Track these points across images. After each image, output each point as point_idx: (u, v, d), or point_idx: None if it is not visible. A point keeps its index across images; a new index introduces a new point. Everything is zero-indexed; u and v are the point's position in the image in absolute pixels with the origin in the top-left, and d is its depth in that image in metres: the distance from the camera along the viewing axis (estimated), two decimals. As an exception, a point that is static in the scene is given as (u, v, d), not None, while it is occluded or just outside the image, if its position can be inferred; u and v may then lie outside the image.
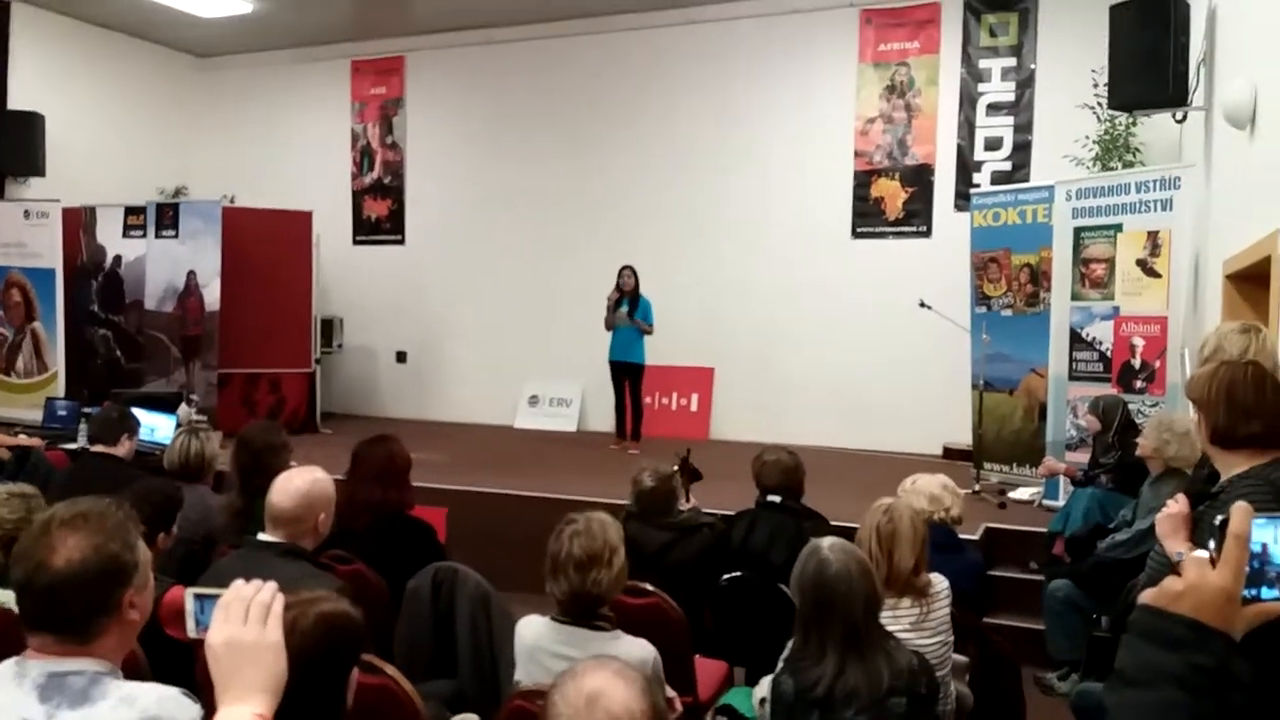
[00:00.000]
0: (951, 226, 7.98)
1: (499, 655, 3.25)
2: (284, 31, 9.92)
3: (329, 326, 9.73)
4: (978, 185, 7.89)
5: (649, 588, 3.02)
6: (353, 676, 1.67)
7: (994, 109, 8.13)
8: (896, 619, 2.80)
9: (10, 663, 1.73)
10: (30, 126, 8.93)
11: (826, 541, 2.46)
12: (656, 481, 3.88)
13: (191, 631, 1.41)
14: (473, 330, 9.94)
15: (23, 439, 6.19)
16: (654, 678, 2.61)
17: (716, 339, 8.91)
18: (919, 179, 8.35)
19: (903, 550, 2.91)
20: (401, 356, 10.30)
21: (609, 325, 7.94)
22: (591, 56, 9.36)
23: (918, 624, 2.90)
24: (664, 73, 9.11)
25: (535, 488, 6.33)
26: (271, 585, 1.31)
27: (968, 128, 8.20)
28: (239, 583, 1.31)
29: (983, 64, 8.14)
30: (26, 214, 8.67)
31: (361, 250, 10.39)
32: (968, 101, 8.19)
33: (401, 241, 10.32)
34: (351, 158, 10.47)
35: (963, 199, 7.95)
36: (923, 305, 7.27)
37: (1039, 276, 6.62)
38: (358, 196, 10.45)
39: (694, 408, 9.07)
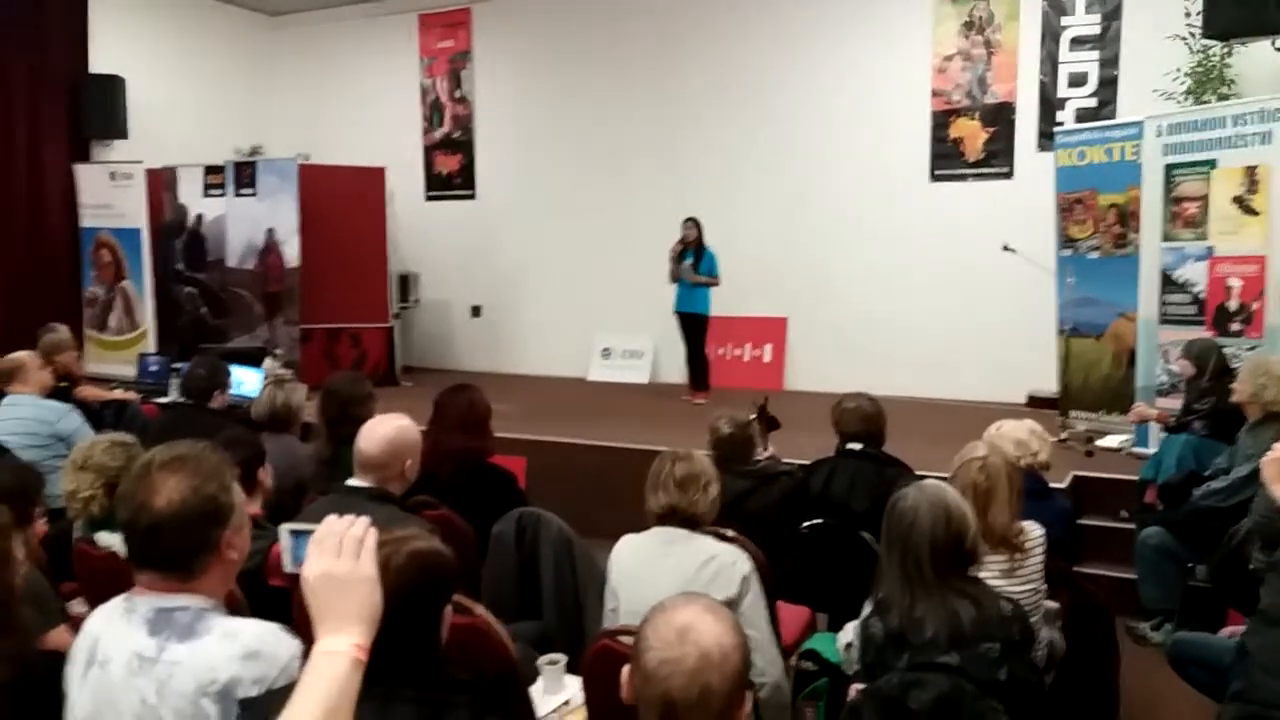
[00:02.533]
0: (1034, 167, 7.71)
1: (583, 597, 3.31)
2: (352, -12, 9.96)
3: (405, 282, 9.86)
4: (1061, 123, 7.58)
5: (729, 533, 3.01)
6: (446, 613, 1.69)
7: (1078, 43, 7.79)
8: (987, 567, 2.75)
9: (119, 599, 1.80)
10: (112, 90, 9.14)
11: (921, 483, 2.44)
12: (734, 429, 3.86)
13: (287, 566, 1.44)
14: (545, 283, 9.97)
15: (119, 393, 6.42)
16: (735, 572, 2.67)
17: (790, 288, 8.79)
18: (1000, 118, 8.07)
19: (998, 506, 2.86)
20: (476, 311, 10.40)
21: (672, 278, 7.89)
22: (655, 3, 9.19)
23: (1010, 572, 2.85)
24: (735, 16, 8.90)
25: (609, 438, 6.38)
26: (364, 520, 1.32)
27: (1050, 64, 7.88)
28: (332, 518, 1.32)
29: (1066, -4, 7.80)
30: (112, 176, 8.92)
31: (434, 206, 10.47)
32: (1050, 36, 7.86)
33: (472, 196, 10.36)
34: (422, 113, 10.50)
35: (1046, 138, 7.66)
36: (1006, 249, 7.07)
37: (1127, 217, 6.36)
38: (429, 152, 10.50)
39: (767, 358, 9.00)
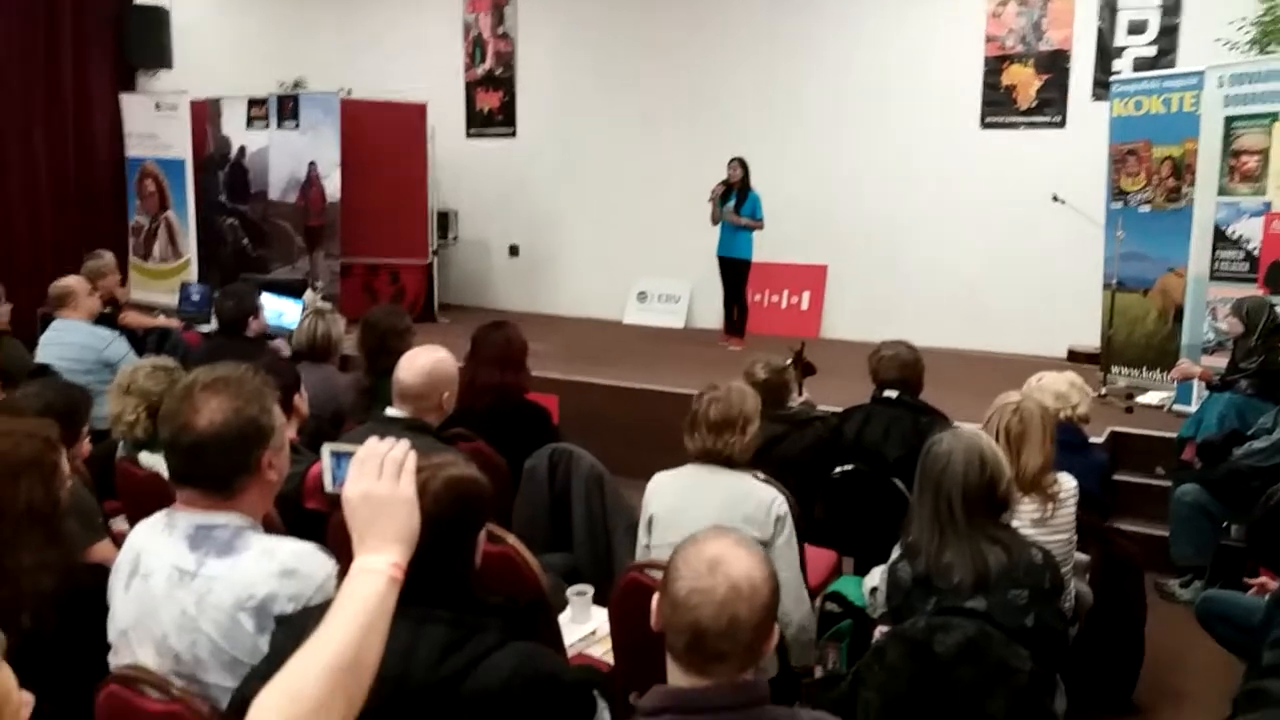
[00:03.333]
0: (1088, 117, 7.50)
1: (612, 532, 3.36)
2: (397, -82, 9.82)
3: (445, 219, 9.86)
4: (1118, 72, 7.36)
5: (760, 476, 3.02)
6: (480, 539, 1.72)
7: (1140, -11, 7.53)
8: (1019, 516, 2.74)
9: (161, 514, 1.85)
10: (157, 20, 9.14)
11: (955, 429, 2.43)
12: (769, 373, 3.85)
13: (328, 486, 1.47)
14: (583, 225, 9.93)
15: (161, 320, 6.54)
16: (769, 514, 2.70)
17: (831, 235, 8.68)
18: (1054, 65, 7.84)
19: (1031, 451, 2.85)
20: (514, 250, 10.39)
21: (714, 220, 7.82)
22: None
23: (1042, 522, 2.85)
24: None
25: (642, 381, 6.40)
26: (404, 443, 1.34)
27: (1109, 10, 7.62)
28: (373, 440, 1.34)
29: (1129, -61, 7.51)
30: (157, 106, 8.95)
31: (474, 143, 10.41)
32: (1110, -19, 7.60)
33: (513, 134, 10.29)
34: (464, 49, 10.41)
35: (1101, 87, 7.44)
36: (1056, 200, 6.92)
37: (1182, 170, 6.20)
38: (470, 89, 10.42)
39: (805, 306, 8.93)
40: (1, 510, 1.92)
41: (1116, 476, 5.06)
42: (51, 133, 8.66)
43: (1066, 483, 2.94)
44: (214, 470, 1.76)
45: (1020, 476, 2.76)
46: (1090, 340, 6.98)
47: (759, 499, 2.78)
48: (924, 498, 2.39)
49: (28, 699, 1.02)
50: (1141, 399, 6.09)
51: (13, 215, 8.41)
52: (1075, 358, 7.25)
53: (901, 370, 3.85)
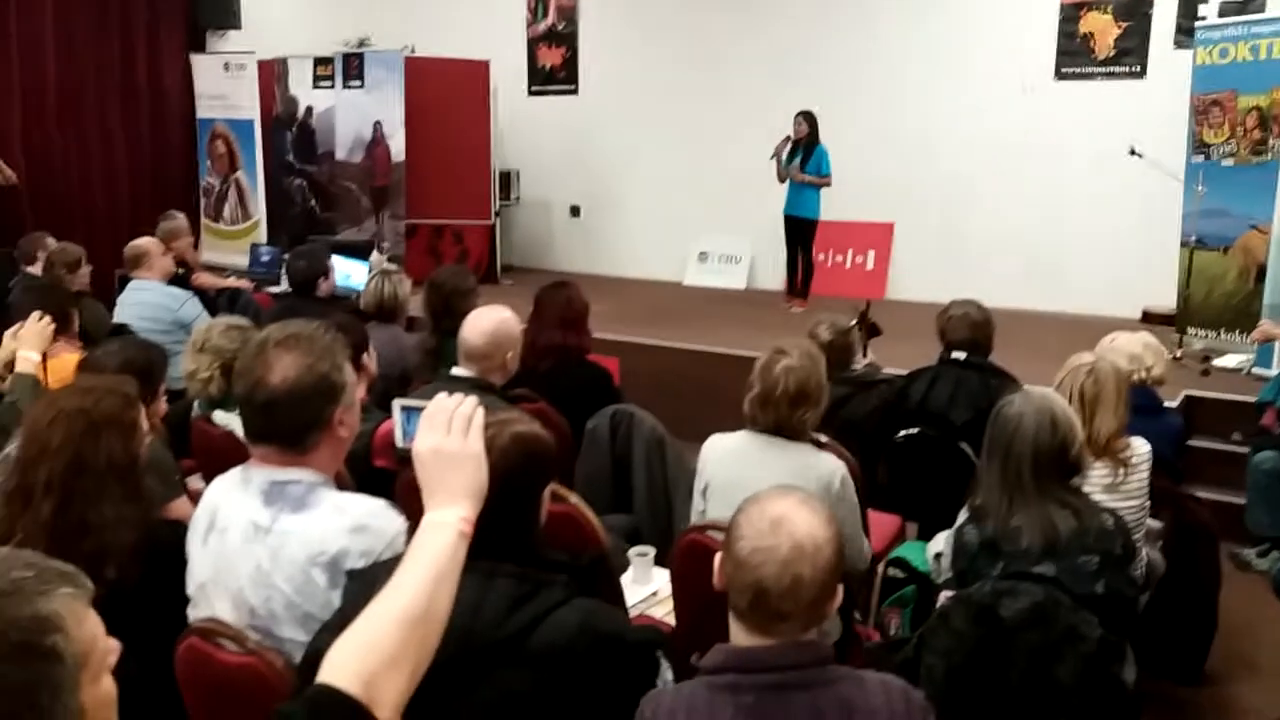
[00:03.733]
0: (1170, 66, 7.19)
1: (673, 494, 3.36)
2: (459, -126, 9.75)
3: (506, 179, 9.88)
4: (1203, 18, 7.05)
5: (823, 438, 3.00)
6: (545, 496, 1.74)
7: (1231, -69, 7.18)
8: (1090, 480, 2.69)
9: (237, 470, 1.90)
10: (225, -20, 9.25)
11: (1027, 389, 2.38)
12: (834, 334, 3.81)
13: (399, 441, 1.49)
14: (644, 185, 9.87)
15: (232, 281, 6.68)
16: (841, 491, 2.66)
17: (897, 192, 8.46)
18: (1134, 12, 7.53)
19: (1105, 414, 2.78)
20: (575, 211, 10.38)
21: (780, 177, 7.69)
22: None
23: (1113, 487, 2.79)
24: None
25: (704, 342, 6.37)
26: (472, 399, 1.35)
27: (1196, -47, 7.30)
28: (442, 395, 1.36)
29: (1220, -127, 7.15)
30: (226, 66, 9.07)
31: (536, 101, 10.38)
32: (1199, -77, 7.26)
33: (575, 92, 10.23)
34: (526, 3, 10.34)
35: (1185, 34, 7.14)
36: (1133, 153, 6.68)
37: (1269, 121, 5.94)
38: (532, 45, 10.37)
39: (870, 265, 8.75)
40: (83, 464, 1.99)
41: (1191, 442, 4.92)
42: (126, 95, 8.86)
43: (1140, 447, 2.87)
44: (287, 426, 1.79)
45: (1093, 440, 2.70)
46: (1166, 301, 6.76)
47: (819, 474, 2.68)
48: (993, 460, 2.35)
49: (114, 645, 1.06)
50: (1219, 362, 5.90)
51: (91, 178, 8.64)
52: (1150, 319, 7.04)
53: (971, 330, 3.76)
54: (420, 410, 1.37)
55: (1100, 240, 7.61)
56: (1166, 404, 3.94)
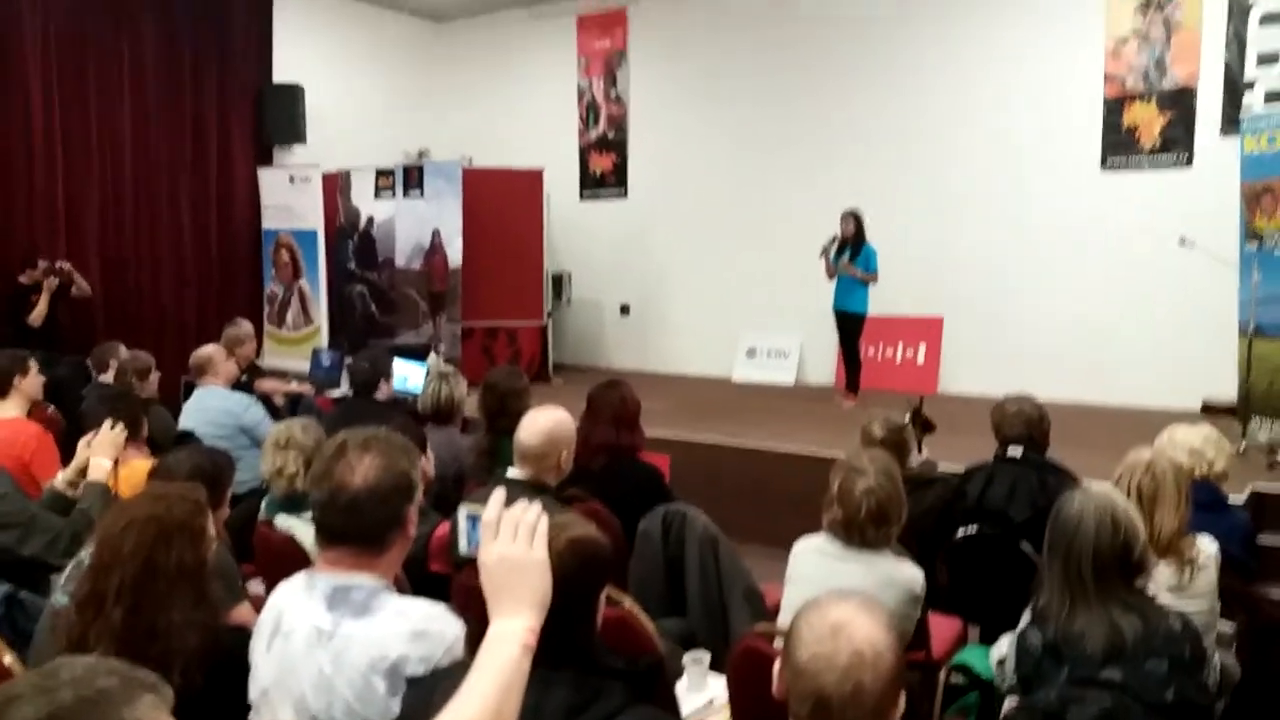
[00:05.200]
0: (1217, 154, 7.20)
1: (727, 597, 3.31)
2: (514, -8, 10.26)
3: (559, 281, 10.11)
4: (1248, 107, 7.08)
5: (899, 549, 2.96)
6: (601, 600, 1.75)
7: (1270, 20, 7.22)
8: (1155, 582, 2.61)
9: (302, 575, 1.94)
10: (293, 98, 9.71)
11: (1087, 488, 2.34)
12: (887, 432, 3.79)
13: (463, 548, 1.52)
14: (693, 282, 10.02)
15: (294, 386, 6.85)
16: (913, 601, 2.63)
17: (946, 286, 8.51)
18: (1179, 103, 7.58)
19: (1165, 511, 2.72)
20: (625, 309, 10.55)
21: (829, 274, 7.76)
22: (813, -3, 9.10)
23: (1180, 588, 2.70)
24: (893, 6, 8.69)
25: (755, 439, 6.35)
26: (536, 506, 1.38)
27: (1237, 43, 7.35)
28: (499, 495, 1.39)
29: (1258, -30, 7.26)
30: (291, 179, 9.48)
31: (588, 205, 10.67)
32: (1238, 12, 7.32)
33: (624, 195, 10.51)
34: (578, 113, 10.72)
35: (1231, 122, 7.16)
36: (1183, 243, 6.65)
37: (1323, 209, 5.89)
38: (584, 152, 10.72)
39: (920, 360, 8.73)
40: (155, 569, 2.04)
41: (1261, 538, 4.75)
42: (196, 207, 9.28)
43: (1206, 546, 2.79)
44: (369, 526, 1.84)
45: (1155, 539, 2.64)
46: (1227, 391, 6.61)
47: (902, 581, 2.70)
48: (1054, 561, 2.31)
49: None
50: (1287, 453, 5.73)
51: (160, 287, 9.01)
52: (1211, 410, 6.89)
53: (1026, 426, 3.73)
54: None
55: (1156, 330, 7.53)
56: (1232, 499, 3.84)
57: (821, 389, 8.55)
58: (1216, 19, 7.40)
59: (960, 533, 3.55)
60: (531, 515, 1.36)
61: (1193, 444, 3.34)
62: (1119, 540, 2.24)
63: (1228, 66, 7.39)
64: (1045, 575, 2.35)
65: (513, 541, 1.33)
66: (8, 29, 7.85)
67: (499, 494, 1.39)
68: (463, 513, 1.56)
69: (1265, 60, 7.28)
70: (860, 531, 2.70)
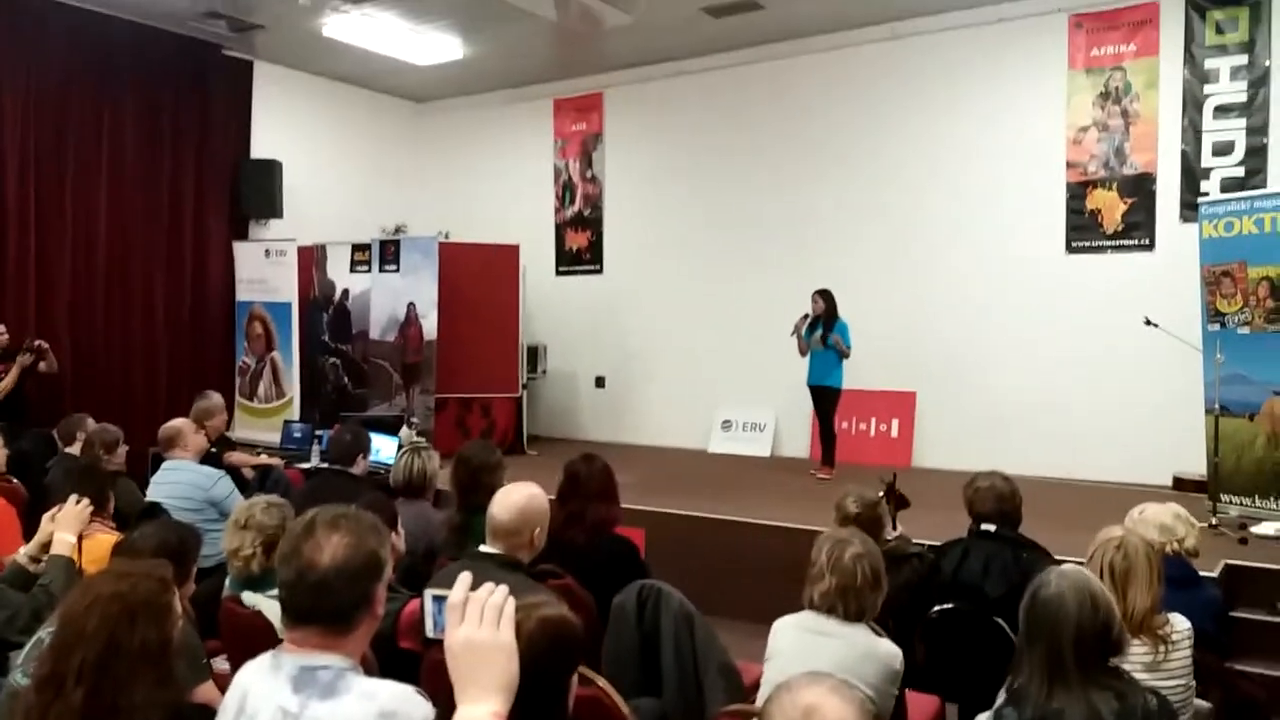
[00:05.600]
0: (1178, 239, 7.42)
1: (703, 675, 3.26)
2: (492, 75, 10.47)
3: (534, 353, 10.13)
4: (1206, 194, 7.30)
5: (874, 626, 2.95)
6: (573, 682, 1.72)
7: (1223, 111, 7.51)
8: (1130, 659, 2.61)
9: (267, 655, 1.90)
10: (270, 173, 9.77)
11: (1062, 568, 2.34)
12: (861, 508, 3.80)
13: (430, 631, 1.50)
14: (668, 356, 10.08)
15: (264, 458, 6.77)
16: (892, 678, 2.63)
17: (918, 362, 8.62)
18: (1139, 189, 7.82)
19: (1138, 588, 2.74)
20: (600, 381, 10.58)
21: (801, 351, 7.83)
22: (784, 80, 9.34)
23: (1154, 666, 2.71)
24: (860, 92, 8.96)
25: (731, 511, 6.33)
26: (503, 589, 1.37)
27: (1193, 133, 7.62)
28: (465, 579, 1.38)
29: (1209, 64, 7.54)
30: (267, 253, 9.51)
31: (563, 280, 10.77)
32: (1192, 105, 7.61)
33: (600, 271, 10.62)
34: (554, 192, 10.88)
35: (1189, 209, 7.38)
36: (1149, 323, 6.79)
37: (1281, 291, 6.04)
38: (560, 229, 10.85)
39: (894, 433, 8.81)
40: (117, 649, 1.99)
41: (1234, 613, 4.77)
42: (170, 279, 9.25)
43: (1179, 623, 2.80)
44: (337, 606, 1.80)
45: (1129, 617, 2.65)
46: (1197, 467, 6.70)
47: (880, 656, 2.73)
48: (1034, 644, 2.28)
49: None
50: (1256, 529, 5.78)
51: (131, 357, 8.93)
52: (1182, 485, 6.97)
53: (998, 502, 3.75)
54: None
55: (1124, 407, 7.63)
56: (1204, 574, 3.86)
57: (797, 461, 8.56)
58: (1172, 110, 7.68)
59: (936, 609, 3.54)
60: (498, 597, 1.35)
61: (1163, 520, 3.37)
62: (1099, 621, 2.25)
63: (1185, 155, 7.65)
64: (1024, 655, 2.34)
65: (479, 625, 1.32)
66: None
67: (465, 577, 1.38)
68: (429, 595, 1.54)
69: (1220, 150, 7.54)
70: (857, 597, 2.74)
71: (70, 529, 3.26)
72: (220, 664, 3.10)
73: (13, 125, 8.06)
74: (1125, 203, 7.88)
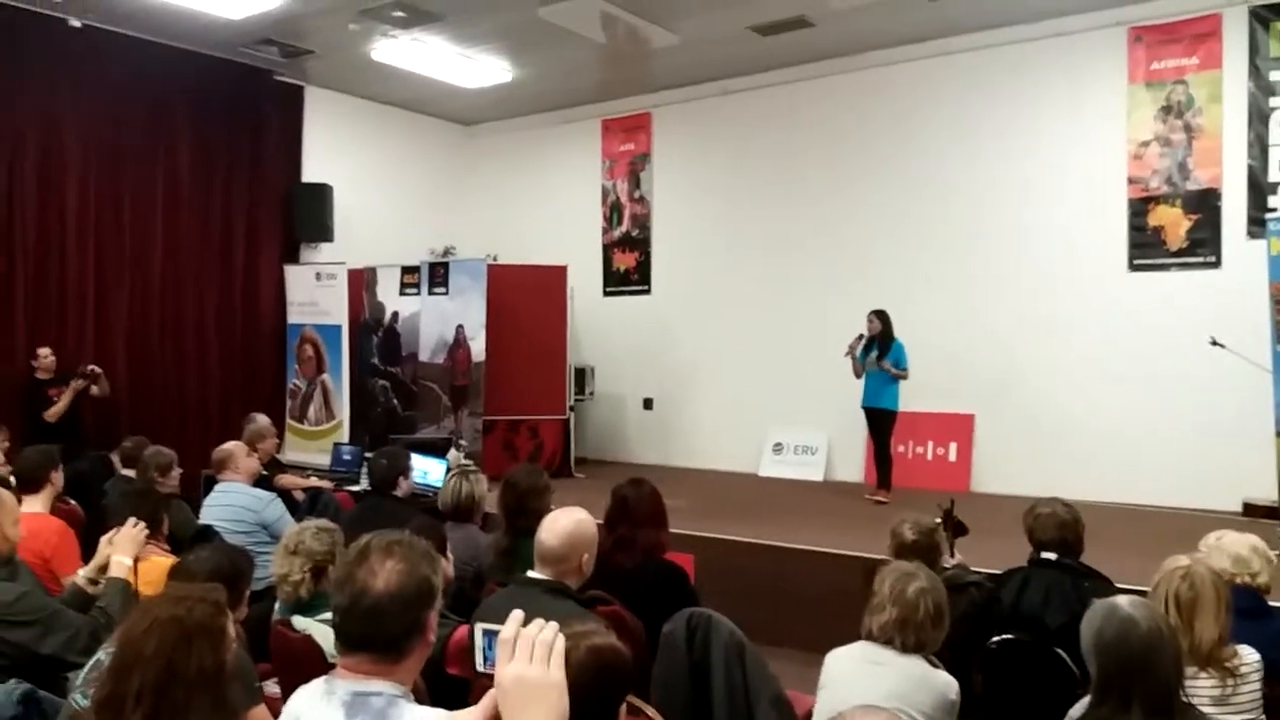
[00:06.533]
0: (1245, 256, 7.21)
1: (755, 707, 3.19)
2: (540, 97, 10.55)
3: (581, 375, 10.13)
4: (1274, 209, 7.10)
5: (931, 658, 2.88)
6: (622, 711, 1.68)
7: (1291, 124, 7.31)
8: (1197, 693, 2.52)
9: (321, 681, 1.89)
10: (321, 197, 9.91)
11: (1124, 600, 2.25)
12: (918, 535, 3.71)
13: (480, 666, 1.47)
14: (717, 377, 10.01)
15: (314, 481, 6.82)
16: (948, 708, 2.57)
17: (978, 383, 8.45)
18: (1204, 204, 7.61)
19: (1205, 619, 2.63)
20: (648, 403, 10.53)
21: (856, 373, 7.73)
22: (836, 97, 9.27)
23: (1223, 700, 2.61)
24: (913, 108, 8.86)
25: (784, 537, 6.22)
26: (554, 625, 1.34)
27: (1259, 146, 7.41)
28: (517, 615, 1.35)
29: (1275, 76, 7.35)
30: (318, 276, 9.63)
31: (611, 301, 10.77)
32: (1258, 118, 7.41)
33: (648, 291, 10.60)
34: (602, 213, 10.91)
35: (1257, 225, 7.18)
36: (1214, 343, 6.59)
37: (1353, 308, 5.83)
38: (607, 250, 10.86)
39: (952, 457, 8.63)
40: (174, 673, 1.99)
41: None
42: (222, 303, 9.42)
43: (1248, 655, 2.69)
44: (390, 632, 1.80)
45: (1195, 649, 2.55)
46: (1268, 492, 6.47)
47: (935, 686, 2.67)
48: (1096, 673, 2.23)
49: None
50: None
51: (185, 380, 9.09)
52: (1253, 511, 6.73)
53: (1059, 530, 3.64)
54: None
55: (1191, 430, 7.40)
56: (1275, 605, 3.70)
57: (851, 485, 8.43)
58: (1237, 124, 7.48)
59: (995, 639, 3.44)
60: (548, 634, 1.32)
61: (1239, 552, 3.24)
62: (1171, 650, 2.17)
63: (1251, 169, 7.44)
64: (1091, 686, 2.26)
65: (529, 662, 1.29)
66: (50, 142, 8.12)
67: (517, 614, 1.36)
68: (479, 629, 1.52)
69: (1288, 163, 7.33)
70: (917, 631, 2.70)
71: (127, 552, 3.30)
72: (271, 687, 3.10)
73: (73, 155, 8.27)
74: (1189, 219, 7.68)
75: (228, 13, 7.91)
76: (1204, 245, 7.62)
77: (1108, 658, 2.21)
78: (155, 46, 8.67)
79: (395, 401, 9.64)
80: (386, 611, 1.78)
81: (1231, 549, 3.23)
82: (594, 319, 10.54)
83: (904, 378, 7.58)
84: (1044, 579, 3.55)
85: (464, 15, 8.09)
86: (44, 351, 7.60)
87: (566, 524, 3.04)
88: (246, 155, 9.58)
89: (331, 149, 10.29)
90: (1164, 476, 7.44)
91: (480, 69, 9.46)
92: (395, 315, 9.69)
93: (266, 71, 9.61)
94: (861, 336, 7.69)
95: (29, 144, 7.98)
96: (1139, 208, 7.88)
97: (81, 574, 3.37)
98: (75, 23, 8.10)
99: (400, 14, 8.04)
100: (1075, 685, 2.96)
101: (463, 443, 8.21)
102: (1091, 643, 2.24)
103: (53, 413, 7.36)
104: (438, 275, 9.41)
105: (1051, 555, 3.61)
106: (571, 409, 9.66)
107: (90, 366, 7.66)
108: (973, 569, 4.06)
